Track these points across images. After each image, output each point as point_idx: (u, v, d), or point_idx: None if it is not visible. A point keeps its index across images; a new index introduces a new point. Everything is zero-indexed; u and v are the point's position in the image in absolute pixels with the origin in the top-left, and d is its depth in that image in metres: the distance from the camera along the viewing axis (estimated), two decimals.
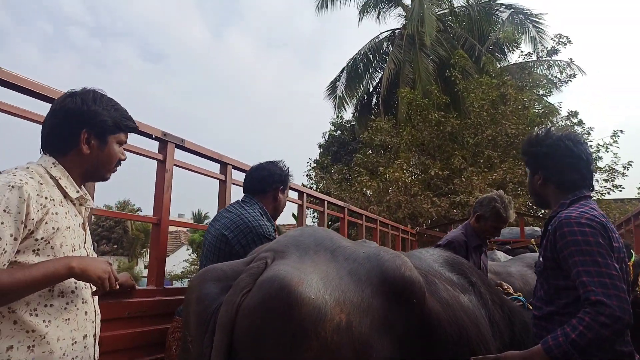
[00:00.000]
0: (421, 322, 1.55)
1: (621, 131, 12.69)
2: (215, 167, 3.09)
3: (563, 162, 1.92)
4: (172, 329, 2.26)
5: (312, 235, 1.62)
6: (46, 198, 1.41)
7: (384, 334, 1.42)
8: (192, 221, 37.46)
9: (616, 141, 12.59)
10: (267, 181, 2.49)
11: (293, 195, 4.43)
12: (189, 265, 24.84)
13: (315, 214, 13.38)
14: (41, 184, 1.42)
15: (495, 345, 1.93)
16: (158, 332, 2.27)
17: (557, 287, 1.81)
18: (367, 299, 1.42)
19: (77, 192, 1.55)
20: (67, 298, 1.45)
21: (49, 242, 1.39)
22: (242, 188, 2.65)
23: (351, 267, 1.50)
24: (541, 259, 1.90)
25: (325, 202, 5.18)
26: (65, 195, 1.51)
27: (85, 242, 1.57)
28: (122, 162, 1.69)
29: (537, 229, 7.72)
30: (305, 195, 4.49)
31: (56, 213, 1.43)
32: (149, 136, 2.39)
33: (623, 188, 12.52)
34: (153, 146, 2.51)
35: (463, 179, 11.93)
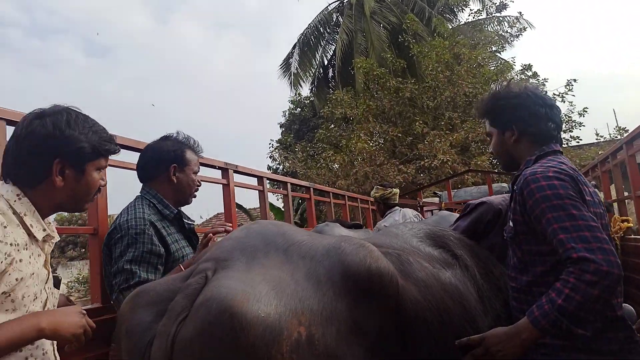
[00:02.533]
0: (397, 317, 1.35)
1: (574, 80, 12.89)
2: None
3: (538, 111, 1.74)
4: (111, 359, 1.98)
5: (260, 233, 1.37)
6: (11, 245, 1.17)
7: (355, 340, 1.21)
8: None
9: (571, 89, 12.79)
10: (152, 164, 2.10)
11: (252, 181, 4.17)
12: None
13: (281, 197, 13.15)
14: (5, 226, 1.17)
15: (487, 322, 1.74)
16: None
17: (531, 253, 1.64)
18: (330, 304, 1.20)
19: (44, 230, 1.31)
20: (26, 352, 1.25)
21: (9, 296, 1.18)
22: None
23: (309, 267, 1.27)
24: (511, 223, 1.72)
25: (289, 185, 4.94)
26: (30, 234, 1.27)
27: (46, 283, 1.34)
28: (102, 188, 1.45)
29: (505, 185, 7.74)
30: (265, 179, 4.23)
31: (20, 260, 1.20)
32: None
33: (581, 139, 12.79)
34: None
35: (426, 143, 11.90)
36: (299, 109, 20.76)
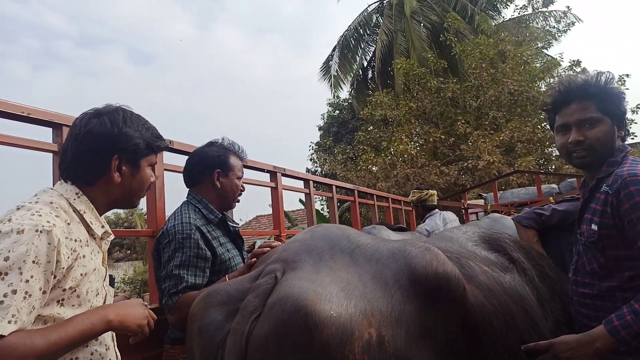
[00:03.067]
0: (464, 321, 1.34)
1: (627, 75, 12.30)
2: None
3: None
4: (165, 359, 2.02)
5: (325, 236, 1.39)
6: (75, 240, 1.23)
7: (424, 344, 1.21)
8: None
9: (623, 84, 12.20)
10: (197, 169, 2.15)
11: (299, 184, 4.23)
12: None
13: (324, 198, 13.19)
14: (68, 223, 1.24)
15: (548, 327, 1.69)
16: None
17: (617, 258, 1.55)
18: (398, 306, 1.20)
19: (102, 227, 1.37)
20: (92, 347, 1.30)
21: (75, 291, 1.23)
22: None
23: (375, 269, 1.28)
24: (594, 227, 1.61)
25: (334, 187, 4.96)
26: (89, 231, 1.33)
27: (104, 280, 1.40)
28: (151, 185, 1.51)
29: (554, 186, 7.47)
30: (311, 182, 4.28)
31: (84, 256, 1.26)
32: None
33: (635, 135, 12.16)
34: None
35: (470, 144, 11.63)
36: (337, 111, 20.79)
